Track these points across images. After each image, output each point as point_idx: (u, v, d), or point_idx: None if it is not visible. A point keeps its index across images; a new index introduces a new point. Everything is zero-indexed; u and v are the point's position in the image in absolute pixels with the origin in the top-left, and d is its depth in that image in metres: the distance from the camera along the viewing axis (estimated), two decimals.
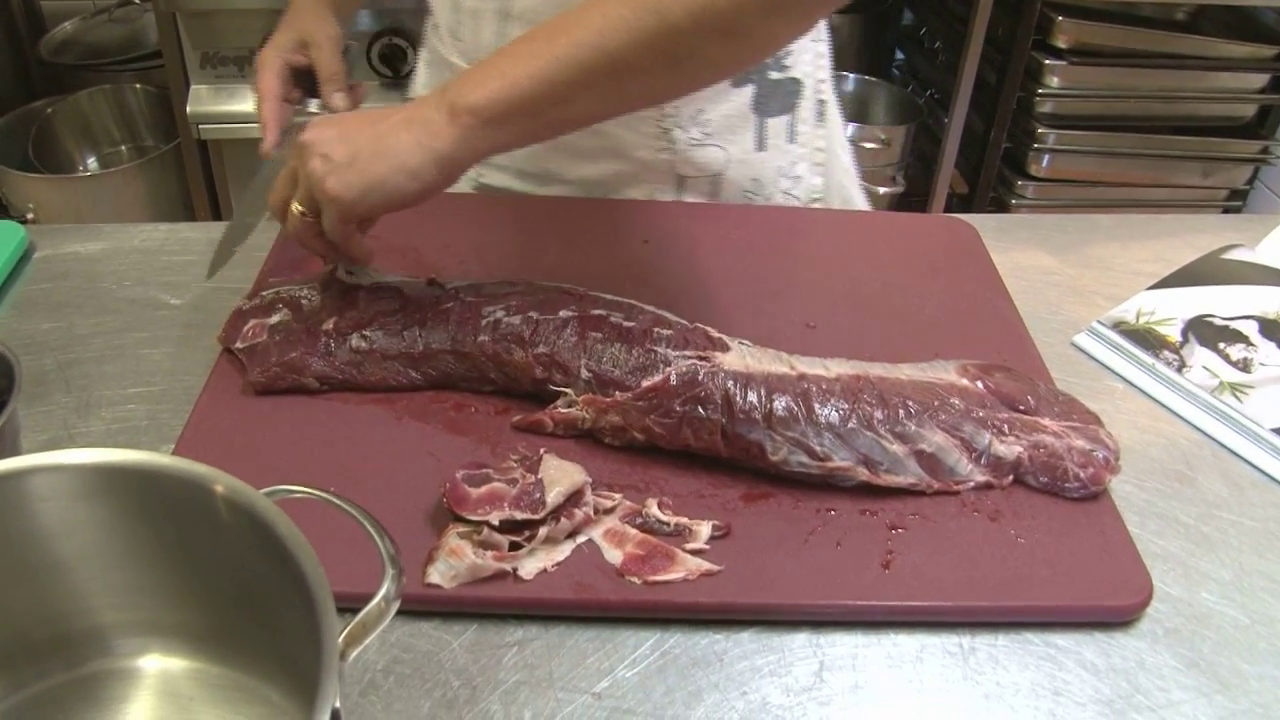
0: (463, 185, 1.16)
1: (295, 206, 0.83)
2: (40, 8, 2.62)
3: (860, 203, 1.27)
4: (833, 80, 1.16)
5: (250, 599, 0.59)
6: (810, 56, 1.11)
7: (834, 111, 1.18)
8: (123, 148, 2.49)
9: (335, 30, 1.07)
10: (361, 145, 0.79)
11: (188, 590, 0.60)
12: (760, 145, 1.10)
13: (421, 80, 1.25)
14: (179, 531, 0.57)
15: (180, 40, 1.95)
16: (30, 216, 2.17)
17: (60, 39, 2.54)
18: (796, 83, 1.10)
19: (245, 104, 1.98)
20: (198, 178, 2.14)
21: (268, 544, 0.54)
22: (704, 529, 0.75)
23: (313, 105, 1.06)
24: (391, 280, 0.91)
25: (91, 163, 2.47)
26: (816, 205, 1.17)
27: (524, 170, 1.13)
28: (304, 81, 1.07)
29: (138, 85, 2.45)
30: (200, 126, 2.00)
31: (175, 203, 2.27)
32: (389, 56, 1.93)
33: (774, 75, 1.08)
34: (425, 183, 0.79)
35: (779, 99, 1.10)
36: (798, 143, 1.13)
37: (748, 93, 1.07)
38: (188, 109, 1.98)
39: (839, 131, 1.22)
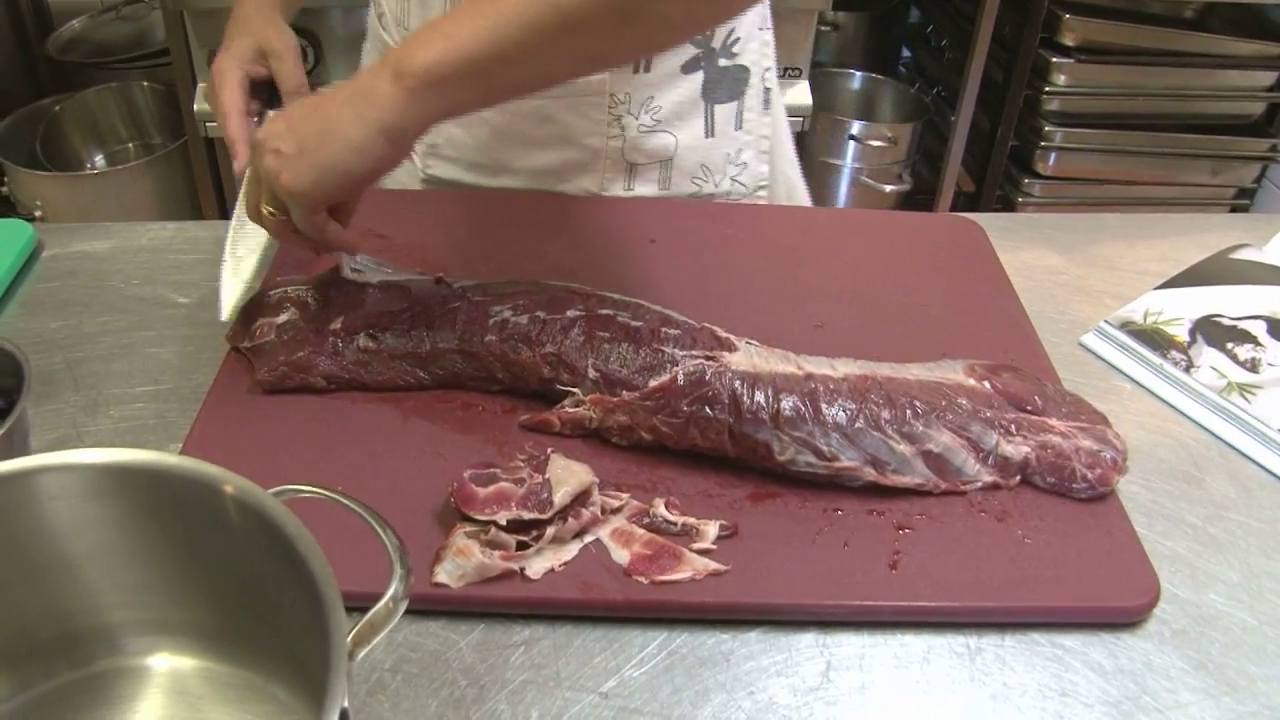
0: (407, 179, 1.15)
1: (264, 208, 0.82)
2: (48, 5, 2.62)
3: (803, 192, 1.27)
4: (776, 69, 1.16)
5: (258, 598, 0.59)
6: (757, 45, 1.12)
7: (778, 100, 1.18)
8: (130, 145, 2.49)
9: (293, 39, 1.04)
10: (308, 133, 0.77)
11: (196, 589, 0.60)
12: (709, 132, 1.11)
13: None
14: (188, 531, 0.57)
15: (188, 38, 1.95)
16: (38, 214, 2.17)
17: (68, 37, 2.54)
18: (744, 70, 1.11)
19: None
20: (204, 175, 2.14)
21: (276, 544, 0.54)
22: (711, 529, 0.75)
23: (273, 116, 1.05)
24: (399, 278, 0.91)
25: (99, 160, 2.47)
26: (762, 194, 1.16)
27: (473, 161, 1.12)
28: (262, 92, 1.03)
29: (145, 83, 2.45)
30: (207, 124, 1.99)
31: (182, 200, 2.27)
32: None
33: (723, 62, 1.08)
34: (376, 157, 0.77)
35: (727, 86, 1.10)
36: (744, 129, 1.13)
37: (697, 79, 1.08)
38: (195, 107, 1.98)
39: (783, 120, 1.22)
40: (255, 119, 1.02)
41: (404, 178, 1.17)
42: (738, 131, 1.13)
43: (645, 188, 1.12)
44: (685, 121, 1.09)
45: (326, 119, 0.76)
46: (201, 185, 2.16)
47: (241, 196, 0.93)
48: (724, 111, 1.11)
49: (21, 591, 0.58)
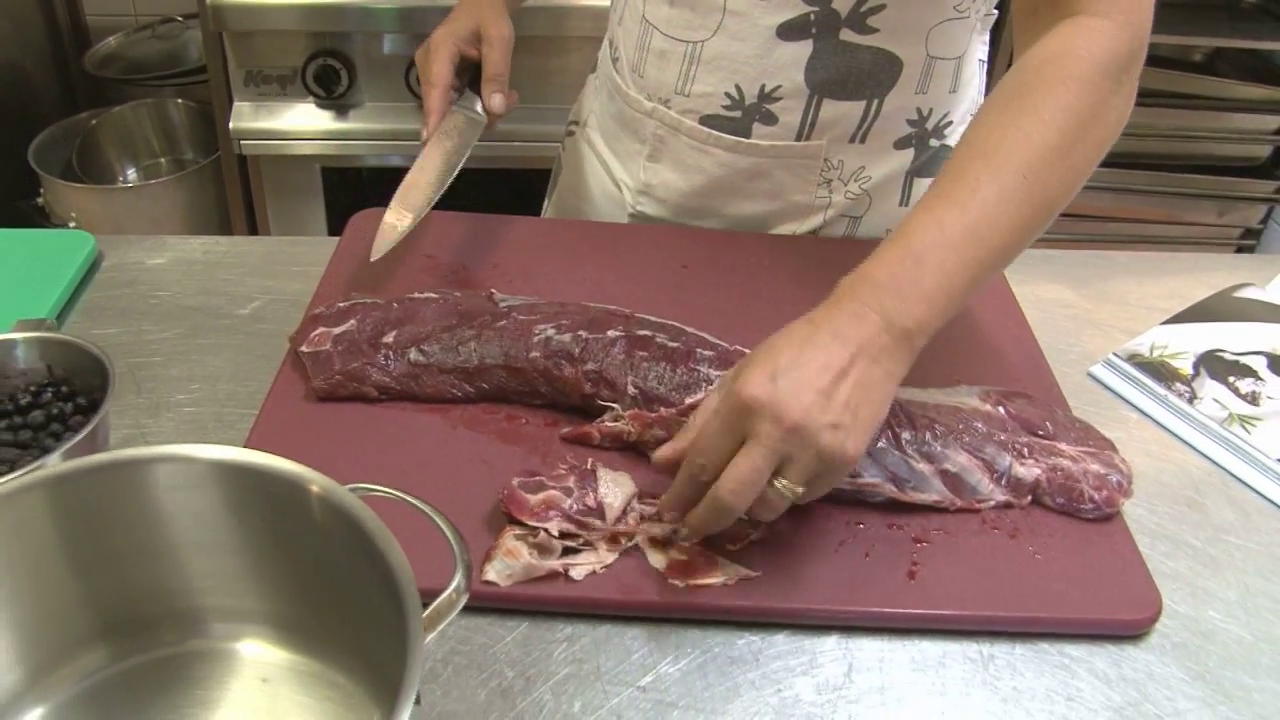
0: (618, 212, 1.22)
1: (785, 485, 0.72)
2: (86, 23, 2.69)
3: None
4: None
5: (331, 590, 0.64)
6: (962, 129, 1.17)
7: None
8: (162, 160, 2.55)
9: (510, 31, 1.11)
10: (853, 398, 0.72)
11: (277, 580, 0.65)
12: (904, 201, 1.16)
13: (587, 105, 1.29)
14: (275, 525, 0.63)
15: (225, 58, 2.01)
16: (72, 224, 2.23)
17: (105, 53, 2.60)
18: (948, 149, 1.16)
19: (285, 122, 2.04)
20: (236, 192, 2.19)
21: (356, 539, 0.59)
22: None
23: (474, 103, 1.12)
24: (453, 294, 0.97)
25: (132, 174, 2.53)
26: None
27: (682, 205, 1.18)
28: (462, 73, 1.11)
29: (179, 100, 2.50)
30: (242, 142, 2.05)
31: (212, 215, 2.33)
32: (323, 77, 1.99)
33: (933, 143, 1.14)
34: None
35: (931, 164, 1.15)
36: None
37: (908, 155, 1.13)
38: (230, 125, 2.04)
39: None
40: (454, 94, 1.10)
41: (613, 211, 1.24)
42: None
43: (832, 235, 1.18)
44: (886, 191, 1.15)
45: (861, 379, 0.73)
46: (232, 201, 2.21)
47: (426, 155, 1.05)
48: (923, 186, 1.16)
49: (133, 568, 0.64)
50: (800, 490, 0.72)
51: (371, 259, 1.01)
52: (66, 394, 0.82)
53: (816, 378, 0.71)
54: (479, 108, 1.12)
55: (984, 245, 0.76)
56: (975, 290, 0.78)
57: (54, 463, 0.72)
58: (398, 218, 1.03)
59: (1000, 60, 2.21)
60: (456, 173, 1.07)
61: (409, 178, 1.06)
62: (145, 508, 0.62)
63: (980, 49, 1.14)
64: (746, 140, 1.09)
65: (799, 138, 1.09)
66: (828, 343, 0.73)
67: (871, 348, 0.73)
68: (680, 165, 1.15)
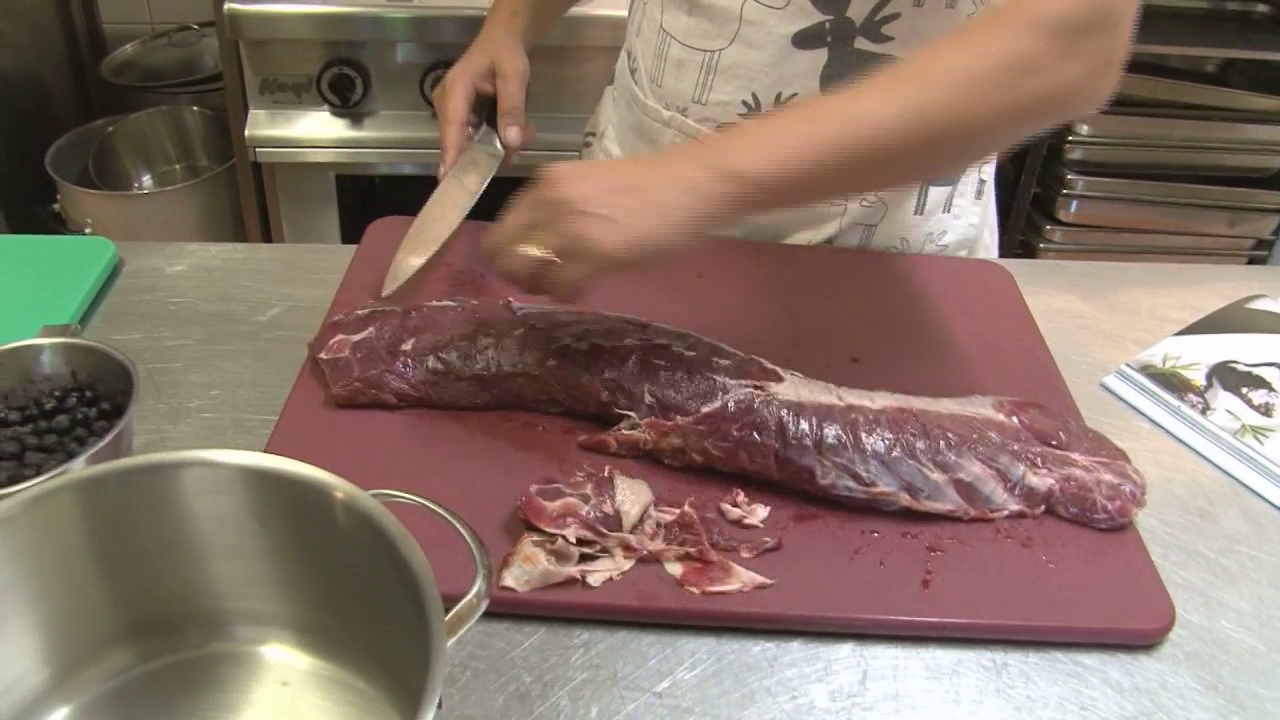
0: None
1: (536, 250, 0.80)
2: (103, 30, 2.70)
3: None
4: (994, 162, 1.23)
5: (353, 595, 0.65)
6: None
7: (990, 191, 1.25)
8: (177, 167, 2.56)
9: (525, 66, 1.13)
10: (626, 204, 0.78)
11: (300, 585, 0.66)
12: (919, 209, 1.17)
13: (605, 116, 1.31)
14: (300, 530, 0.63)
15: (241, 66, 2.02)
16: (88, 230, 2.24)
17: (121, 61, 2.62)
18: None
19: (300, 130, 2.05)
20: (250, 199, 2.20)
21: (379, 544, 0.60)
22: (761, 510, 0.83)
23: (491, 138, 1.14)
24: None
25: (147, 180, 2.54)
26: None
27: None
28: (479, 109, 1.13)
29: (194, 107, 2.52)
30: (257, 149, 2.07)
31: (226, 222, 2.34)
32: (337, 85, 2.00)
33: None
34: (684, 243, 0.79)
35: None
36: (951, 213, 1.19)
37: None
38: (246, 133, 2.05)
39: (991, 209, 1.28)
40: (471, 130, 1.12)
41: None
42: (945, 214, 1.19)
43: (846, 244, 1.19)
44: (900, 197, 1.16)
45: (647, 197, 0.78)
46: (247, 208, 2.23)
47: (442, 191, 1.05)
48: (937, 194, 1.17)
49: (159, 571, 0.65)
50: (536, 253, 0.79)
51: (383, 294, 1.02)
52: (91, 399, 0.83)
53: (611, 178, 0.80)
54: (496, 142, 1.14)
55: (844, 127, 0.77)
56: (828, 171, 0.77)
57: (79, 467, 0.73)
58: (411, 255, 1.05)
59: None
60: (470, 209, 1.08)
61: (424, 212, 1.08)
62: (172, 511, 0.63)
63: None
64: None
65: None
66: (647, 165, 0.81)
67: (679, 176, 0.78)
68: None
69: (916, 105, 0.77)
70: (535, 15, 1.13)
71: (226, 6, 1.93)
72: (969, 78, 0.77)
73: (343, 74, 1.99)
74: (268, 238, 2.23)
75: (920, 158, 0.81)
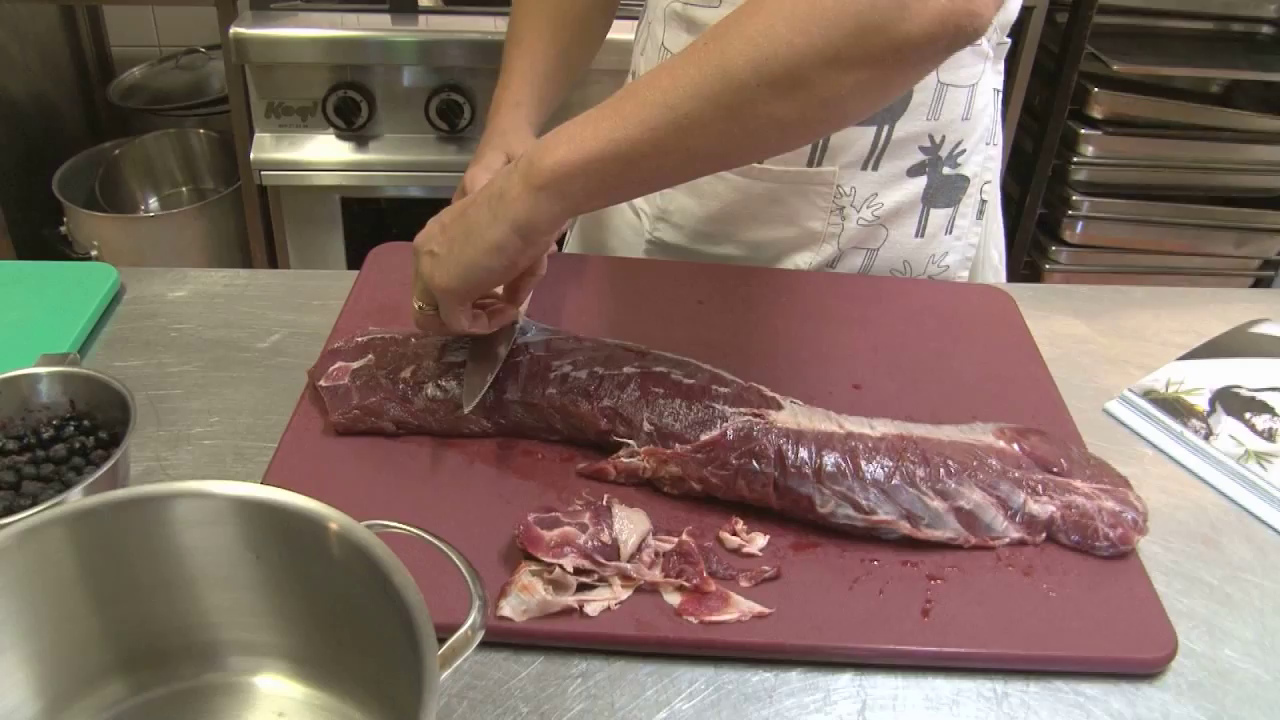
0: (634, 239, 1.23)
1: (415, 303, 0.89)
2: (111, 54, 2.73)
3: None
4: (998, 182, 1.23)
5: (349, 626, 0.64)
6: (981, 158, 1.18)
7: (994, 211, 1.25)
8: (183, 189, 2.58)
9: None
10: (455, 234, 0.82)
11: (294, 615, 0.66)
12: (920, 232, 1.18)
13: None
14: (293, 561, 0.63)
15: (247, 90, 2.03)
16: (94, 253, 2.25)
17: (128, 84, 2.64)
18: (965, 180, 1.17)
19: (305, 153, 2.06)
20: (256, 222, 2.22)
21: (373, 576, 0.59)
22: (760, 539, 0.82)
23: None
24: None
25: (153, 203, 2.56)
26: None
27: (699, 230, 1.19)
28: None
29: (201, 130, 2.54)
30: (263, 172, 2.08)
31: (232, 244, 2.35)
32: (343, 109, 2.01)
33: (946, 171, 1.15)
34: (511, 254, 0.81)
35: (946, 193, 1.16)
36: (954, 235, 1.20)
37: (921, 183, 1.15)
38: (251, 155, 2.06)
39: (997, 229, 1.29)
40: None
41: (631, 238, 1.25)
42: (947, 236, 1.19)
43: (848, 269, 1.19)
44: (901, 219, 1.16)
45: (468, 220, 0.82)
46: (253, 231, 2.24)
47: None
48: (939, 216, 1.17)
49: (152, 602, 0.64)
50: (420, 305, 0.88)
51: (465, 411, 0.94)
52: (89, 428, 0.83)
53: (447, 214, 0.85)
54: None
55: (642, 96, 0.74)
56: (634, 148, 0.75)
57: (76, 497, 0.73)
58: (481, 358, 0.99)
59: (1015, 89, 2.23)
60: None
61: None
62: (165, 542, 0.63)
63: (994, 78, 1.15)
64: (759, 165, 1.11)
65: (810, 163, 1.10)
66: (480, 192, 0.83)
67: (494, 189, 0.81)
68: (696, 191, 1.16)
69: (718, 62, 0.72)
70: (538, 103, 1.13)
71: (233, 30, 1.95)
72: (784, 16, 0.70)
73: (348, 97, 2.00)
74: (273, 260, 2.24)
75: (724, 115, 0.73)
